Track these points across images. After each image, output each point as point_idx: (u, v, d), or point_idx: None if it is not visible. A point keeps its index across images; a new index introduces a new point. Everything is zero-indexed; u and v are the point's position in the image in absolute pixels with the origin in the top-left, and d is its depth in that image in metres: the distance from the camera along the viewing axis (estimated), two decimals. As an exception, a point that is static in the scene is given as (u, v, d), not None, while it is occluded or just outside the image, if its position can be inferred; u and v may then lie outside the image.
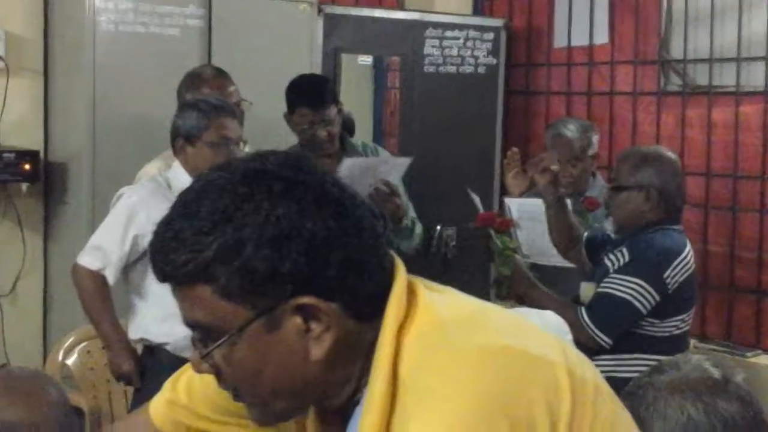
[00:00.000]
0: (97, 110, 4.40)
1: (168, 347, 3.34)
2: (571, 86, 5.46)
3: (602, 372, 3.09)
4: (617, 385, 3.25)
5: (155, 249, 1.22)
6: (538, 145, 5.57)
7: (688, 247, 3.28)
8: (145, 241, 3.28)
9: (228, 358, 1.20)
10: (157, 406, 1.56)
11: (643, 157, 3.31)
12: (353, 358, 1.21)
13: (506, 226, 3.72)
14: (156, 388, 3.34)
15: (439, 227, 5.17)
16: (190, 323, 1.23)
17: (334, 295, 1.18)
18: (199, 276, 1.17)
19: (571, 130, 4.21)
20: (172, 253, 1.19)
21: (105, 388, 3.83)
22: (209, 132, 3.33)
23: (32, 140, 4.54)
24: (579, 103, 5.41)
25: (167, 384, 1.54)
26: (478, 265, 5.11)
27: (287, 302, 1.16)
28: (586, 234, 3.58)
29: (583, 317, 3.12)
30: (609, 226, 3.57)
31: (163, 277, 1.22)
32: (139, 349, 3.46)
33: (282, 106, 3.87)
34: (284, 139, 3.94)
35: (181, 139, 3.37)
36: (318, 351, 1.18)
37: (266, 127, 4.10)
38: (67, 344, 3.91)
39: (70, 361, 3.82)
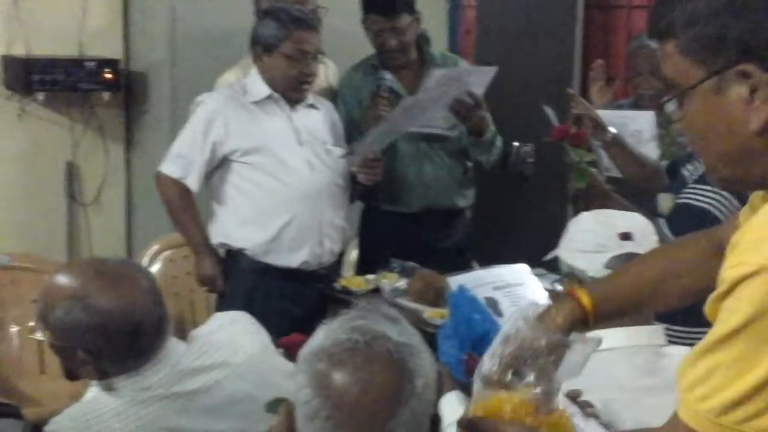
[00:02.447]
0: (176, 18, 4.41)
1: (247, 252, 3.39)
2: (654, -1, 5.32)
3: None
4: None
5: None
6: (617, 61, 5.46)
7: None
8: (223, 148, 3.32)
9: (684, 110, 1.33)
10: None
11: None
12: None
13: (581, 139, 3.66)
14: (237, 292, 3.44)
15: (516, 144, 5.13)
16: (664, 80, 1.35)
17: None
18: (669, 32, 1.31)
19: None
20: (655, 11, 1.34)
21: (188, 297, 3.91)
22: (286, 44, 3.32)
23: (113, 49, 4.57)
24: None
25: None
26: (556, 182, 5.06)
27: (733, 67, 1.25)
28: (665, 163, 3.50)
29: (662, 230, 3.08)
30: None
31: (649, 33, 1.36)
32: (221, 254, 3.51)
33: (358, 13, 3.80)
34: (360, 48, 3.91)
35: (258, 47, 3.37)
36: (756, 121, 1.25)
37: (342, 36, 4.05)
38: (150, 252, 3.99)
39: (153, 269, 3.89)
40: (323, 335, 1.43)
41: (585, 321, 1.61)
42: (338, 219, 3.47)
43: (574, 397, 1.84)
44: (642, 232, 2.08)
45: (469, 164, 3.94)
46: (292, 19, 3.33)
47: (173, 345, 1.95)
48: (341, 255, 3.76)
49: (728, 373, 1.19)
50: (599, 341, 1.63)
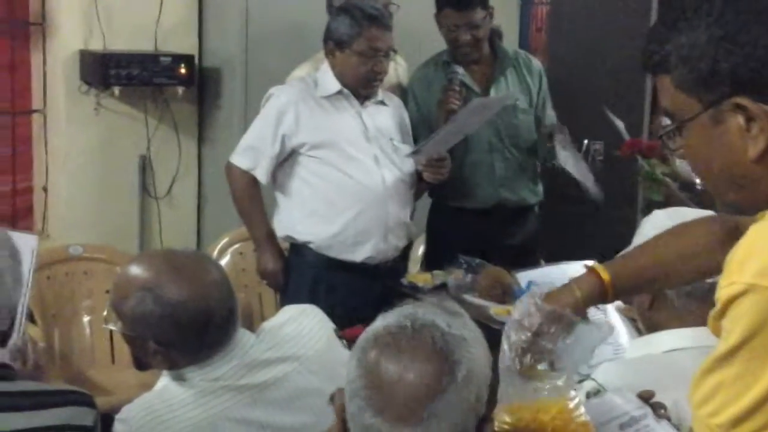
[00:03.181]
0: (249, 15, 4.46)
1: (312, 245, 3.40)
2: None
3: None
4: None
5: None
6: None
7: None
8: (292, 141, 3.33)
9: (684, 141, 1.35)
10: None
11: None
12: None
13: (654, 150, 3.60)
14: (301, 284, 3.45)
15: (586, 141, 5.08)
16: (664, 111, 1.38)
17: None
18: (662, 67, 1.32)
19: None
20: (648, 46, 1.35)
21: (256, 289, 3.94)
22: (359, 41, 3.32)
23: (187, 45, 4.63)
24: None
25: None
26: (627, 180, 5.01)
27: (727, 100, 1.27)
28: None
29: None
30: None
31: (643, 67, 1.38)
32: (285, 247, 3.53)
33: (431, 10, 3.80)
34: (431, 46, 3.90)
35: (331, 43, 3.38)
36: (753, 150, 1.27)
37: (413, 33, 4.05)
38: (220, 245, 4.04)
39: (223, 262, 3.94)
40: (380, 321, 1.45)
41: (604, 295, 1.73)
42: (403, 215, 3.47)
43: (646, 398, 1.83)
44: None
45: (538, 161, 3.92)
46: (366, 16, 3.33)
47: (243, 336, 1.96)
48: (408, 250, 3.76)
49: (731, 390, 1.24)
50: (612, 328, 1.68)
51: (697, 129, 1.32)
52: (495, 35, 3.96)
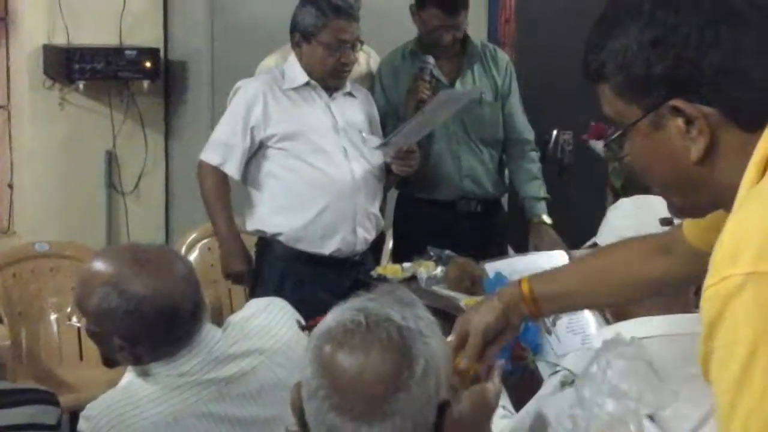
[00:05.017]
0: (215, 7, 4.43)
1: (281, 238, 3.39)
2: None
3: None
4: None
5: None
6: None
7: None
8: (261, 134, 3.31)
9: (629, 147, 1.34)
10: None
11: None
12: (740, 167, 1.23)
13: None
14: (269, 279, 3.43)
15: (555, 132, 5.09)
16: (607, 118, 1.36)
17: (711, 101, 1.23)
18: (600, 75, 1.31)
19: None
20: (585, 55, 1.33)
21: (225, 285, 3.92)
22: (325, 32, 3.31)
23: (152, 38, 4.59)
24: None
25: None
26: (596, 170, 5.02)
27: (664, 104, 1.25)
28: None
29: None
30: None
31: (583, 75, 1.36)
32: (254, 242, 3.51)
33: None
34: (399, 33, 3.88)
35: (297, 34, 3.37)
36: (694, 152, 1.25)
37: (382, 19, 4.03)
38: (188, 241, 4.02)
39: (191, 257, 3.92)
40: (331, 316, 1.43)
41: (530, 307, 1.72)
42: (372, 208, 3.46)
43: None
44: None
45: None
46: (332, 7, 3.31)
47: (209, 331, 1.95)
48: (380, 243, 3.75)
49: (762, 417, 1.09)
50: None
51: (640, 135, 1.30)
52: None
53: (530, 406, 1.93)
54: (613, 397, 1.68)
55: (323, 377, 1.37)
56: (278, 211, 3.38)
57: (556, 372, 1.92)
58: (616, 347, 1.71)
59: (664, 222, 2.02)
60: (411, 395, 1.36)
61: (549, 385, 1.93)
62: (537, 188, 3.84)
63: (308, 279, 3.36)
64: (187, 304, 1.89)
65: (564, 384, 1.87)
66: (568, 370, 1.89)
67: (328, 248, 3.38)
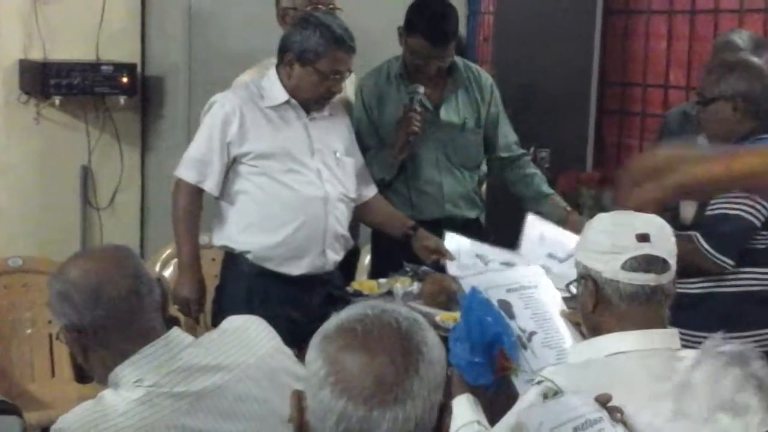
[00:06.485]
0: (193, 23, 4.43)
1: (249, 255, 3.35)
2: (674, 4, 5.28)
3: (714, 287, 2.99)
4: (727, 298, 3.16)
5: None
6: (636, 67, 5.44)
7: None
8: (236, 150, 3.29)
9: None
10: None
11: (726, 67, 3.21)
12: None
13: (593, 180, 3.64)
14: (236, 296, 3.40)
15: (533, 149, 5.11)
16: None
17: None
18: None
19: (743, 39, 4.09)
20: None
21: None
22: (325, 61, 3.26)
23: (130, 54, 4.58)
24: (681, 23, 5.24)
25: None
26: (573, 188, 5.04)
27: None
28: None
29: (701, 244, 3.03)
30: (702, 142, 3.45)
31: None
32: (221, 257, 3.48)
33: (381, 18, 3.77)
34: (381, 53, 3.89)
35: (291, 54, 3.31)
36: None
37: (367, 38, 4.03)
38: (163, 257, 3.98)
39: (166, 273, 3.88)
40: (334, 319, 1.42)
41: None
42: (343, 230, 3.42)
43: (603, 402, 1.82)
44: (659, 233, 2.05)
45: (483, 173, 3.95)
46: (335, 38, 3.26)
47: (177, 334, 1.95)
48: (352, 259, 3.72)
49: None
50: None
51: None
52: (457, 51, 3.95)
53: (509, 419, 1.93)
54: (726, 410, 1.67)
55: (333, 364, 1.36)
56: (248, 229, 3.34)
57: (539, 383, 1.92)
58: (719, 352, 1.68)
59: (641, 238, 2.03)
60: (421, 379, 1.36)
61: (527, 398, 1.93)
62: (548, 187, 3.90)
63: (275, 296, 3.30)
64: (121, 285, 1.90)
65: (546, 396, 1.87)
66: (554, 383, 1.89)
67: (296, 269, 3.34)
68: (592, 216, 3.43)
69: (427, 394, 1.37)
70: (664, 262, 2.04)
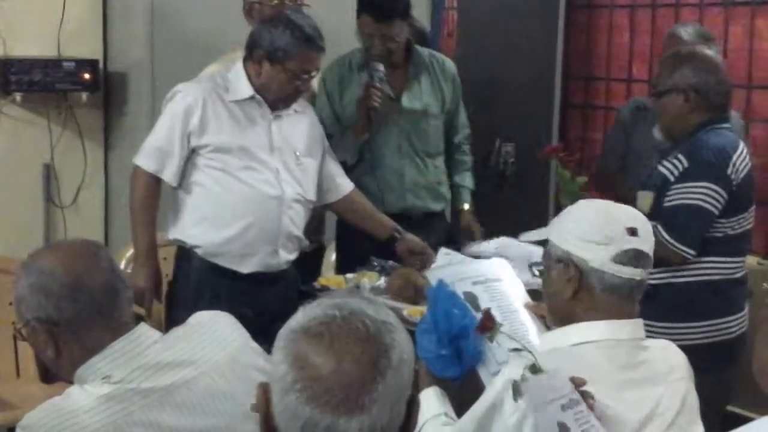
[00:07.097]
0: (155, 18, 4.40)
1: (199, 251, 3.32)
2: (636, -2, 5.33)
3: (671, 278, 3.02)
4: (685, 288, 3.19)
5: None
6: (599, 61, 5.47)
7: (742, 144, 3.22)
8: (195, 141, 3.26)
9: None
10: None
11: (678, 59, 3.24)
12: None
13: (568, 162, 3.66)
14: (186, 291, 3.38)
15: (497, 142, 5.13)
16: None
17: None
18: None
19: (688, 32, 4.15)
20: None
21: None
22: (294, 61, 3.24)
23: (92, 50, 4.55)
24: (643, 17, 5.28)
25: None
26: (537, 182, 5.06)
27: None
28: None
29: (662, 235, 3.06)
30: (657, 134, 3.47)
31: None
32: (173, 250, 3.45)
33: (345, 14, 3.79)
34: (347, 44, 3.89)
35: (260, 52, 3.28)
36: None
37: (331, 31, 4.03)
38: (128, 254, 3.95)
39: (130, 271, 3.85)
40: (301, 314, 1.41)
41: None
42: (297, 231, 3.39)
43: (578, 385, 1.84)
44: (644, 227, 2.07)
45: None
46: (306, 37, 3.24)
47: (145, 330, 1.93)
48: (318, 255, 3.71)
49: None
50: None
51: None
52: (414, 38, 3.96)
53: (475, 411, 1.94)
54: None
55: (300, 369, 1.35)
56: (200, 223, 3.31)
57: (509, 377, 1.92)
58: None
59: (631, 232, 2.04)
60: (388, 385, 1.35)
61: (492, 390, 1.94)
62: (467, 179, 4.00)
63: (224, 292, 3.26)
64: (99, 278, 1.89)
65: (534, 371, 1.86)
66: (536, 360, 1.89)
67: (246, 267, 3.31)
68: (566, 193, 3.48)
69: (395, 399, 1.37)
70: (648, 257, 2.06)
